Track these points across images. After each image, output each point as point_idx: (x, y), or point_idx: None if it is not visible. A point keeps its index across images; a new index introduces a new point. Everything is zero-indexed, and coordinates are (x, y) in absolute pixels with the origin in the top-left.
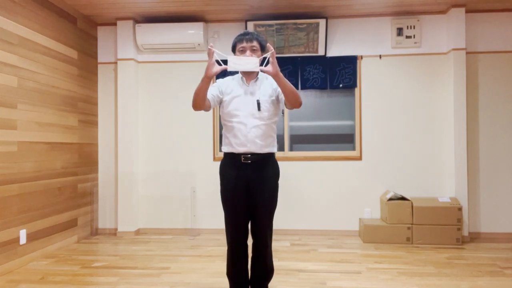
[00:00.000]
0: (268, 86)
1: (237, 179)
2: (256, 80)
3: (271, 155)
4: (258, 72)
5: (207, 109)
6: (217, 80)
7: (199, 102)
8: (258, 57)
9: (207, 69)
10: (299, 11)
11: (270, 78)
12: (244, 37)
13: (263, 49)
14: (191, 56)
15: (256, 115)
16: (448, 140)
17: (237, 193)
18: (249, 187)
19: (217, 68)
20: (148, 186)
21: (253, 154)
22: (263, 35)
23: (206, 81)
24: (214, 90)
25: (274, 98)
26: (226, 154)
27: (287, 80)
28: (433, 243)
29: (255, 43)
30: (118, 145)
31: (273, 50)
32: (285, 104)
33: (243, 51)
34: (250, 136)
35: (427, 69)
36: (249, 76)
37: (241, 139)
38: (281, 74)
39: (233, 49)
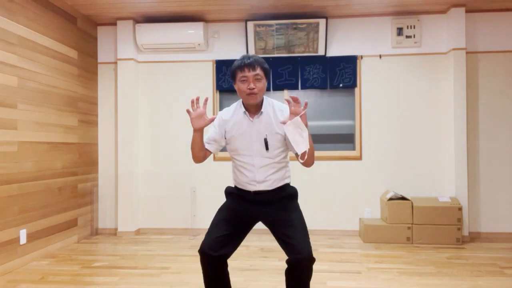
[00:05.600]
0: (275, 120)
1: (246, 206)
2: (260, 115)
3: (287, 186)
4: (262, 105)
5: (208, 156)
6: (219, 113)
7: (197, 155)
8: (264, 85)
9: (192, 122)
10: (299, 11)
11: (276, 109)
12: (244, 62)
13: (267, 75)
14: (191, 56)
15: (265, 154)
16: (448, 140)
17: (241, 214)
18: (262, 217)
19: (205, 120)
20: (148, 186)
21: (264, 192)
22: (263, 35)
23: (196, 134)
24: (214, 133)
25: (283, 134)
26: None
27: (310, 139)
28: (433, 243)
29: (258, 71)
30: (118, 145)
31: (303, 111)
32: (295, 155)
33: (245, 81)
34: (260, 177)
35: (427, 69)
36: (254, 110)
37: (250, 179)
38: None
39: (233, 77)
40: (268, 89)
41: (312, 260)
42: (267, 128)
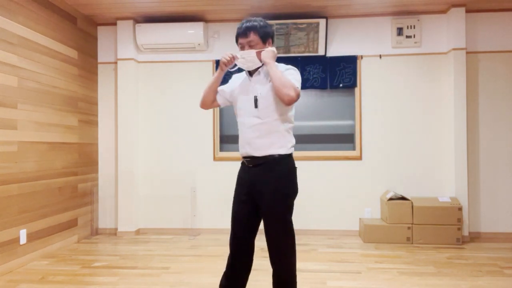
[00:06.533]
0: None
1: (241, 185)
2: (258, 74)
3: (278, 158)
4: (261, 64)
5: (215, 106)
6: (233, 76)
7: (209, 95)
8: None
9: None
10: (299, 11)
11: (279, 67)
12: (238, 31)
13: (266, 37)
14: (191, 56)
15: (254, 113)
16: (448, 140)
17: (239, 200)
18: (253, 194)
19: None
20: (148, 186)
21: (252, 158)
22: None
23: (219, 71)
24: (226, 87)
25: None
26: None
27: (277, 70)
28: (433, 243)
29: (251, 37)
30: (118, 145)
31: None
32: None
33: (242, 48)
34: (248, 137)
35: (427, 69)
36: (255, 70)
37: (241, 140)
38: (271, 62)
39: (237, 44)
40: None
41: (294, 277)
42: (262, 86)
